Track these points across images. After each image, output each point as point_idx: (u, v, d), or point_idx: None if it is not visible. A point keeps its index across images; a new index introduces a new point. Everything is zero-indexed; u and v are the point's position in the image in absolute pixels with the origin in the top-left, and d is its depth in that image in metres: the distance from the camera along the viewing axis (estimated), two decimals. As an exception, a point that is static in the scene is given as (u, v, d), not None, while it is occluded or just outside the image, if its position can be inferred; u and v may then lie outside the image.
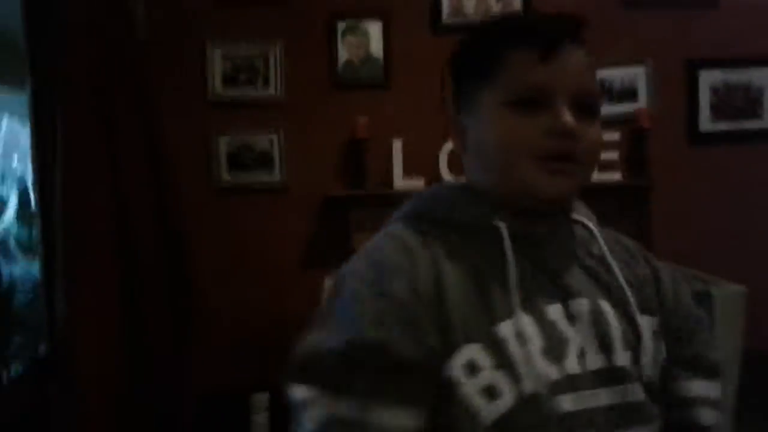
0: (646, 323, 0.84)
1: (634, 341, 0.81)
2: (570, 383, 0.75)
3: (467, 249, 0.81)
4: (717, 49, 2.76)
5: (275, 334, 2.67)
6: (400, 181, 2.66)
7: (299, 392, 0.72)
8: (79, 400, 1.81)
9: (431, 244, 0.81)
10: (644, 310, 0.85)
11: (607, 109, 2.78)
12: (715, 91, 2.79)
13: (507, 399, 0.73)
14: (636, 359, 0.80)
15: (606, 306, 0.81)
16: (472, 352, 0.74)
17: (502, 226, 0.82)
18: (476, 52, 0.86)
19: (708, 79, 2.79)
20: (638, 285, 0.88)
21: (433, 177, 2.66)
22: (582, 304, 0.80)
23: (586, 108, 0.80)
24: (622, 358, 0.79)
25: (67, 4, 1.89)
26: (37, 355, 2.02)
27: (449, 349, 0.74)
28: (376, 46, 2.77)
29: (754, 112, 2.78)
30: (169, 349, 2.09)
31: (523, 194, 0.80)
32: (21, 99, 4.10)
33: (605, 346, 0.79)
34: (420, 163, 2.68)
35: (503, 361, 0.74)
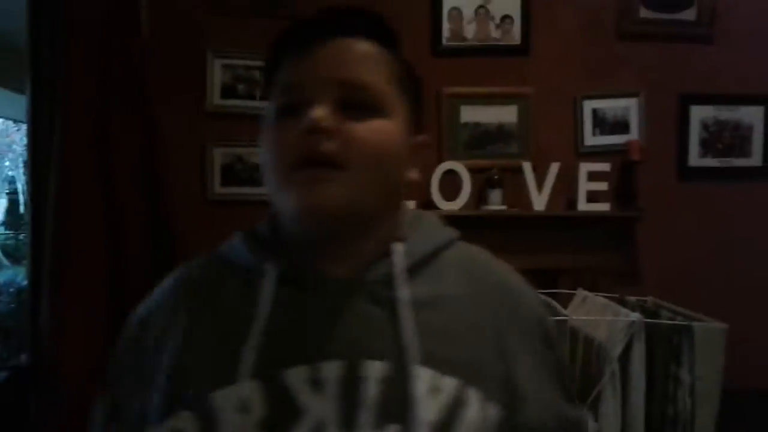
0: (432, 384, 0.66)
1: (401, 414, 0.64)
2: None
3: (230, 294, 0.73)
4: (709, 85, 2.80)
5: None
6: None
7: None
8: (60, 409, 1.80)
9: (193, 290, 0.76)
10: (449, 369, 0.67)
11: (599, 140, 2.81)
12: (705, 126, 2.83)
13: None
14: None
15: (372, 367, 0.65)
16: (181, 421, 0.65)
17: (270, 267, 0.72)
18: (265, 64, 0.79)
19: (699, 114, 2.82)
20: (456, 336, 0.70)
21: (425, 201, 2.67)
22: (333, 368, 0.65)
23: (360, 104, 0.70)
24: None
25: (70, 7, 1.90)
26: (19, 363, 2.01)
27: (157, 412, 0.68)
28: (374, 66, 2.78)
29: (742, 150, 2.81)
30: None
31: (287, 212, 0.72)
32: (14, 100, 4.08)
33: (348, 420, 0.63)
34: (412, 186, 2.68)
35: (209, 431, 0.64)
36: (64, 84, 1.89)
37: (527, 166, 2.65)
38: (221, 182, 2.70)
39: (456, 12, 2.81)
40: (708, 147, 2.82)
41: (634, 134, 2.80)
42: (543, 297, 2.20)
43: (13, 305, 6.23)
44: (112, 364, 0.79)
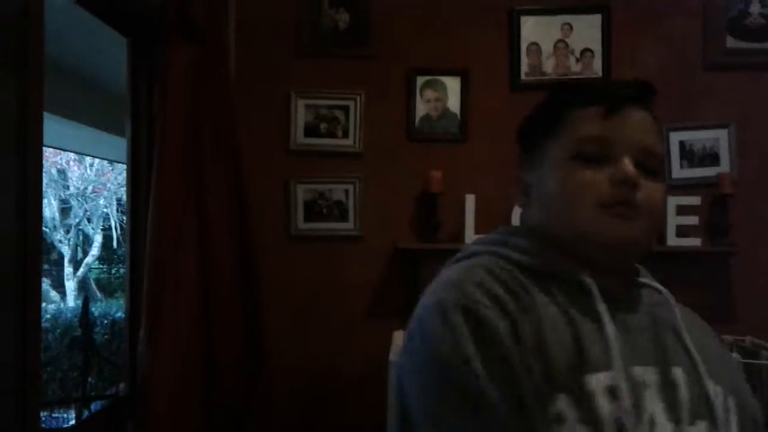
0: (719, 393, 0.82)
1: (705, 412, 0.78)
2: None
3: (559, 297, 0.81)
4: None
5: (335, 386, 2.70)
6: (471, 236, 2.67)
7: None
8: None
9: (526, 285, 0.81)
10: (719, 382, 0.83)
11: (689, 172, 2.73)
12: (801, 157, 2.70)
13: None
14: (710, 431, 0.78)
15: (678, 373, 0.80)
16: (560, 403, 0.72)
17: (592, 283, 0.83)
18: (546, 111, 0.91)
19: (794, 144, 2.71)
20: (709, 357, 0.85)
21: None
22: (651, 372, 0.79)
23: (649, 167, 0.84)
24: (689, 429, 0.76)
25: (166, 55, 2.01)
26: (117, 392, 2.10)
27: (536, 397, 0.72)
28: (454, 101, 2.82)
29: (843, 181, 2.67)
30: (241, 396, 2.13)
31: (587, 240, 0.83)
32: (109, 142, 4.31)
33: (674, 415, 0.76)
34: (492, 218, 2.67)
35: (588, 415, 0.72)
36: (160, 126, 1.99)
37: (613, 201, 2.59)
38: (304, 218, 2.77)
39: (535, 47, 2.82)
40: (804, 178, 2.69)
41: (724, 167, 2.71)
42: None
43: (107, 336, 6.55)
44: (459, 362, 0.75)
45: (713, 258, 2.67)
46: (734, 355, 1.81)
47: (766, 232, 2.67)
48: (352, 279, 2.76)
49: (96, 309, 6.71)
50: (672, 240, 2.57)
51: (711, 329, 0.95)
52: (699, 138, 2.74)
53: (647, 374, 0.78)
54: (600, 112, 0.84)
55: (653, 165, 0.84)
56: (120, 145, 2.19)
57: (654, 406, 0.76)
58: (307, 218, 2.78)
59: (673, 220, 2.56)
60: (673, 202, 2.58)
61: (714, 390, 0.81)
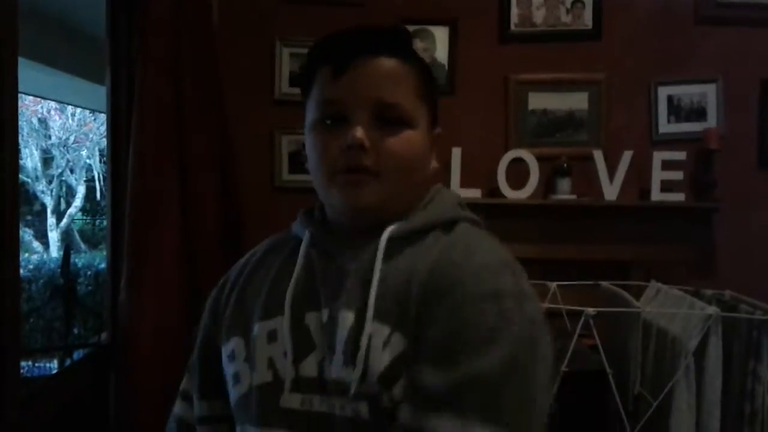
0: (382, 338, 0.77)
1: (354, 350, 0.78)
2: (300, 384, 0.81)
3: (280, 255, 0.92)
4: (792, 70, 2.68)
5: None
6: (457, 189, 2.65)
7: None
8: (136, 387, 1.87)
9: (263, 252, 0.96)
10: (398, 327, 0.77)
11: (674, 127, 2.72)
12: (788, 113, 2.70)
13: (243, 386, 0.85)
14: (364, 374, 0.77)
15: (346, 317, 0.80)
16: (235, 343, 0.88)
17: (306, 235, 0.89)
18: (300, 73, 0.92)
19: (782, 100, 2.70)
20: (405, 298, 0.79)
21: (490, 189, 2.65)
22: (323, 315, 0.82)
23: (389, 118, 0.83)
24: (338, 370, 0.78)
25: (147, 3, 1.95)
26: (99, 341, 2.09)
27: (223, 338, 0.90)
28: (442, 52, 2.77)
29: (829, 138, 2.67)
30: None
31: (332, 207, 0.88)
32: (91, 90, 4.23)
33: (328, 356, 0.80)
34: (478, 172, 2.66)
35: (249, 354, 0.86)
36: (141, 74, 1.94)
37: (598, 155, 2.59)
38: (288, 169, 2.74)
39: (525, -3, 2.76)
40: (791, 135, 2.69)
41: (711, 122, 2.70)
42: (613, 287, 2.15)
43: (90, 287, 6.54)
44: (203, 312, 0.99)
45: (697, 213, 2.68)
46: (713, 308, 1.83)
47: (750, 188, 2.68)
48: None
49: (80, 260, 6.68)
50: (656, 195, 2.57)
51: (454, 256, 0.81)
52: (687, 92, 2.72)
53: (322, 316, 0.82)
54: (331, 72, 0.83)
55: (395, 115, 0.83)
56: (102, 93, 2.13)
57: (325, 347, 0.81)
58: (292, 170, 2.75)
59: (658, 175, 2.56)
60: (658, 157, 2.57)
61: (375, 331, 0.77)
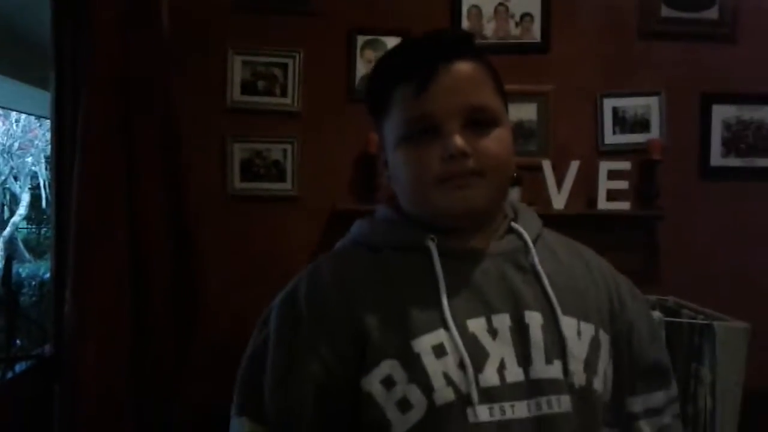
0: (576, 330, 0.85)
1: (560, 351, 0.83)
2: (485, 395, 0.78)
3: (398, 268, 0.87)
4: (732, 84, 2.78)
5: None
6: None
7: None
8: (81, 400, 1.82)
9: (359, 271, 0.88)
10: (584, 317, 0.87)
11: (620, 138, 2.79)
12: (727, 126, 2.80)
13: (418, 410, 0.78)
14: (565, 369, 0.82)
15: (533, 317, 0.83)
16: (388, 367, 0.80)
17: (432, 245, 0.87)
18: (371, 91, 0.94)
19: (721, 113, 2.79)
20: (579, 293, 0.89)
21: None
22: (504, 319, 0.82)
23: (482, 120, 0.85)
24: (542, 370, 0.81)
25: (92, 3, 1.91)
26: (42, 353, 2.04)
27: (366, 367, 0.81)
28: (394, 63, 2.79)
29: (766, 150, 2.78)
30: (171, 357, 2.09)
31: (439, 216, 0.86)
32: (37, 96, 4.12)
33: (525, 359, 0.81)
34: (431, 181, 2.68)
35: (416, 374, 0.79)
36: (87, 80, 1.91)
37: (547, 164, 2.64)
38: (240, 177, 2.72)
39: (476, 10, 2.81)
40: (730, 147, 2.79)
41: (655, 133, 2.78)
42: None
43: (35, 298, 6.35)
44: (260, 360, 0.88)
45: (641, 222, 2.75)
46: (656, 313, 1.89)
47: (691, 197, 2.76)
48: (290, 239, 2.73)
49: (24, 270, 6.48)
50: (602, 204, 2.63)
51: (593, 258, 0.99)
52: (631, 105, 2.80)
53: (500, 321, 0.82)
54: (411, 90, 0.85)
55: (485, 117, 0.85)
56: (48, 99, 2.08)
57: (503, 351, 0.81)
58: (244, 178, 2.72)
59: (603, 185, 2.63)
60: (604, 167, 2.64)
61: (568, 325, 0.84)
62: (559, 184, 2.62)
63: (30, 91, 4.27)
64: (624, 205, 2.65)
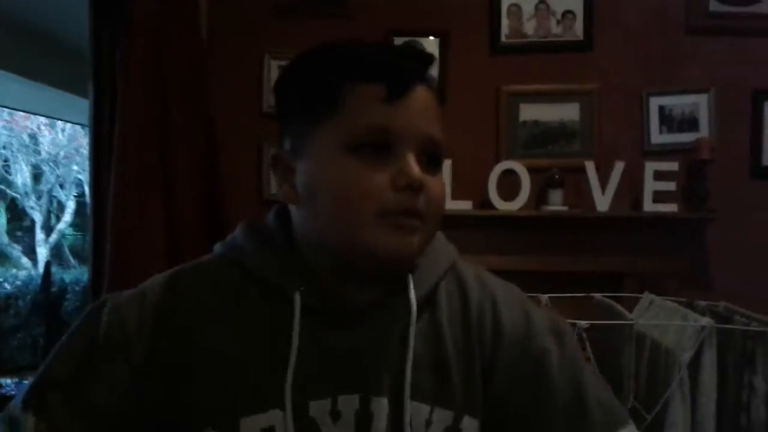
0: (426, 419, 0.74)
1: None
2: None
3: (257, 316, 0.74)
4: (785, 80, 2.67)
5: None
6: (447, 203, 2.62)
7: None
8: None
9: (213, 296, 0.75)
10: (442, 403, 0.75)
11: (666, 138, 2.70)
12: (780, 123, 2.68)
13: None
14: None
15: (379, 404, 0.73)
16: None
17: (297, 299, 0.73)
18: (309, 82, 0.76)
19: (774, 110, 2.69)
20: (448, 370, 0.76)
21: (481, 201, 2.63)
22: (352, 401, 0.72)
23: (432, 157, 0.73)
24: None
25: (130, 11, 1.92)
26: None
27: (187, 424, 0.71)
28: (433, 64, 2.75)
29: (821, 148, 2.66)
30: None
31: (363, 253, 0.71)
32: (83, 105, 4.21)
33: None
34: (469, 185, 2.64)
35: None
36: (124, 87, 1.92)
37: (590, 166, 2.56)
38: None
39: (515, 8, 2.75)
40: (783, 145, 2.67)
41: (703, 132, 2.68)
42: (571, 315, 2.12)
43: (79, 303, 6.49)
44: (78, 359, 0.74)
45: (690, 224, 2.66)
46: (706, 319, 1.80)
47: (742, 199, 2.66)
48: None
49: (68, 276, 6.62)
50: (649, 206, 2.54)
51: (475, 291, 0.82)
52: (678, 103, 2.71)
53: (346, 404, 0.72)
54: (383, 93, 0.70)
55: (437, 153, 0.74)
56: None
57: None
58: (280, 182, 2.71)
59: (650, 186, 2.54)
60: (650, 167, 2.55)
61: (418, 413, 0.73)
62: (603, 185, 2.54)
63: (75, 100, 4.36)
64: (671, 207, 2.56)
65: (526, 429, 0.77)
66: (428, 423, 0.74)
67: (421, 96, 0.72)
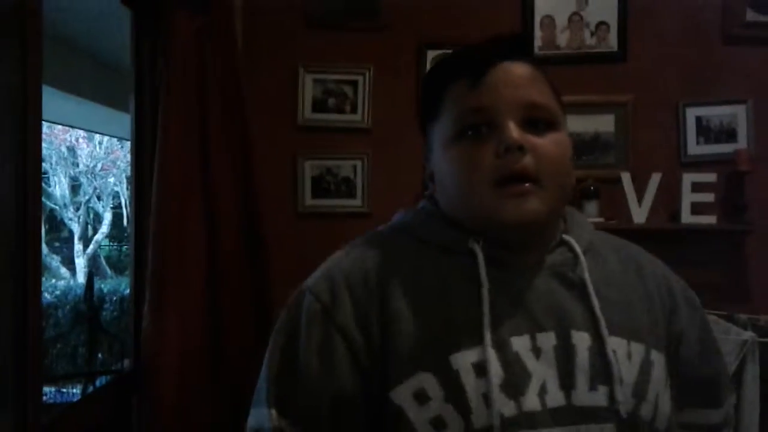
0: (626, 352, 0.78)
1: (607, 377, 0.76)
2: (527, 420, 0.72)
3: (440, 269, 0.80)
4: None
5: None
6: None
7: None
8: (160, 415, 1.85)
9: (395, 262, 0.81)
10: (634, 337, 0.80)
11: (705, 149, 2.67)
12: (820, 134, 2.63)
13: (453, 431, 0.72)
14: (611, 396, 0.75)
15: (580, 337, 0.77)
16: (423, 381, 0.73)
17: (478, 250, 0.80)
18: (422, 94, 0.89)
19: (813, 121, 2.64)
20: (630, 308, 0.82)
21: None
22: (549, 338, 0.76)
23: (539, 121, 0.79)
24: (585, 396, 0.74)
25: (170, 27, 1.96)
26: (122, 368, 2.08)
27: (397, 376, 0.74)
28: (465, 76, 2.76)
29: None
30: (248, 371, 2.10)
31: (490, 224, 0.78)
32: (118, 119, 4.30)
33: (568, 382, 0.75)
34: (504, 196, 2.63)
35: (454, 393, 0.72)
36: (165, 100, 1.95)
37: (626, 177, 2.54)
38: (312, 194, 2.73)
39: (548, 20, 2.75)
40: (823, 155, 2.62)
41: (742, 143, 2.64)
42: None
43: (116, 313, 6.59)
44: (289, 347, 0.81)
45: (728, 236, 2.62)
46: (749, 333, 1.77)
47: (781, 210, 2.61)
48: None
49: (105, 286, 6.74)
50: (687, 218, 2.51)
51: (638, 259, 0.90)
52: (716, 114, 2.67)
53: (546, 340, 0.76)
54: (467, 84, 0.80)
55: (544, 116, 0.80)
56: (129, 121, 2.15)
57: (546, 373, 0.74)
58: (315, 195, 2.74)
59: (688, 198, 2.51)
60: (688, 179, 2.52)
61: (617, 347, 0.78)
62: (640, 197, 2.52)
63: (112, 114, 4.46)
64: (710, 219, 2.52)
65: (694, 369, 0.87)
66: (629, 354, 0.78)
67: (505, 70, 0.80)
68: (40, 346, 1.36)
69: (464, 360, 0.74)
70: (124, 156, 9.41)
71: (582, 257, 0.82)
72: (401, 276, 0.79)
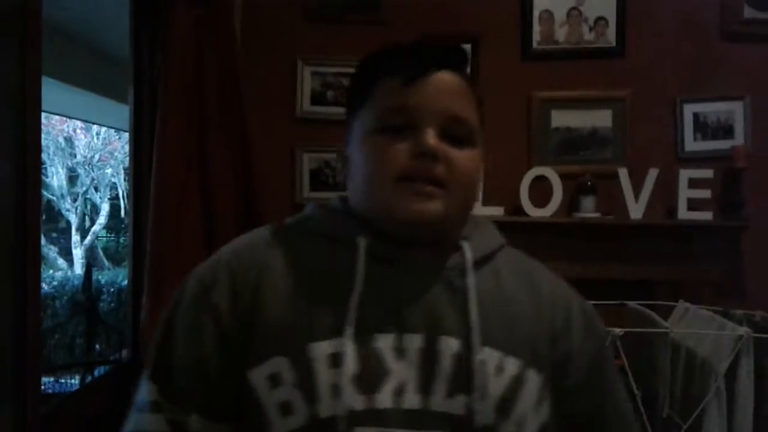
0: (497, 364, 0.77)
1: (469, 386, 0.75)
2: (377, 417, 0.73)
3: (323, 260, 0.82)
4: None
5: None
6: (478, 209, 2.62)
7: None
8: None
9: (281, 250, 0.82)
10: (510, 351, 0.79)
11: (701, 145, 2.68)
12: (816, 130, 2.64)
13: (298, 418, 0.73)
14: (470, 405, 0.74)
15: (447, 344, 0.76)
16: (279, 365, 0.74)
17: (361, 242, 0.80)
18: (351, 84, 0.89)
19: (810, 118, 2.65)
20: (512, 323, 0.81)
21: (513, 207, 2.63)
22: (415, 340, 0.76)
23: (457, 135, 0.80)
24: (441, 402, 0.74)
25: (169, 18, 1.96)
26: (120, 358, 2.09)
27: (257, 357, 0.76)
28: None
29: None
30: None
31: (386, 217, 0.80)
32: (116, 110, 4.28)
33: (426, 386, 0.74)
34: (500, 191, 2.64)
35: (305, 380, 0.73)
36: (164, 91, 1.95)
37: (623, 172, 2.55)
38: (310, 187, 2.74)
39: (547, 15, 2.75)
40: (819, 152, 2.63)
41: (739, 139, 2.65)
42: (640, 308, 2.11)
43: (113, 304, 6.59)
44: (170, 326, 0.82)
45: (725, 232, 2.63)
46: (744, 329, 1.78)
47: (777, 207, 2.62)
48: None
49: (103, 277, 6.73)
50: (683, 213, 2.52)
51: (537, 278, 0.88)
52: (713, 110, 2.68)
53: (411, 341, 0.76)
54: (400, 81, 0.80)
55: (462, 133, 0.80)
56: (127, 113, 2.15)
57: (406, 374, 0.74)
58: (313, 187, 2.74)
59: (684, 194, 2.52)
60: (685, 175, 2.53)
61: (489, 358, 0.77)
62: (637, 193, 2.53)
63: (110, 105, 4.44)
64: (706, 215, 2.54)
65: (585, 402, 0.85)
66: (501, 368, 0.77)
67: (440, 78, 0.81)
68: (39, 338, 1.37)
69: (321, 350, 0.74)
70: (122, 147, 9.38)
71: (470, 264, 0.82)
72: (283, 264, 0.81)
